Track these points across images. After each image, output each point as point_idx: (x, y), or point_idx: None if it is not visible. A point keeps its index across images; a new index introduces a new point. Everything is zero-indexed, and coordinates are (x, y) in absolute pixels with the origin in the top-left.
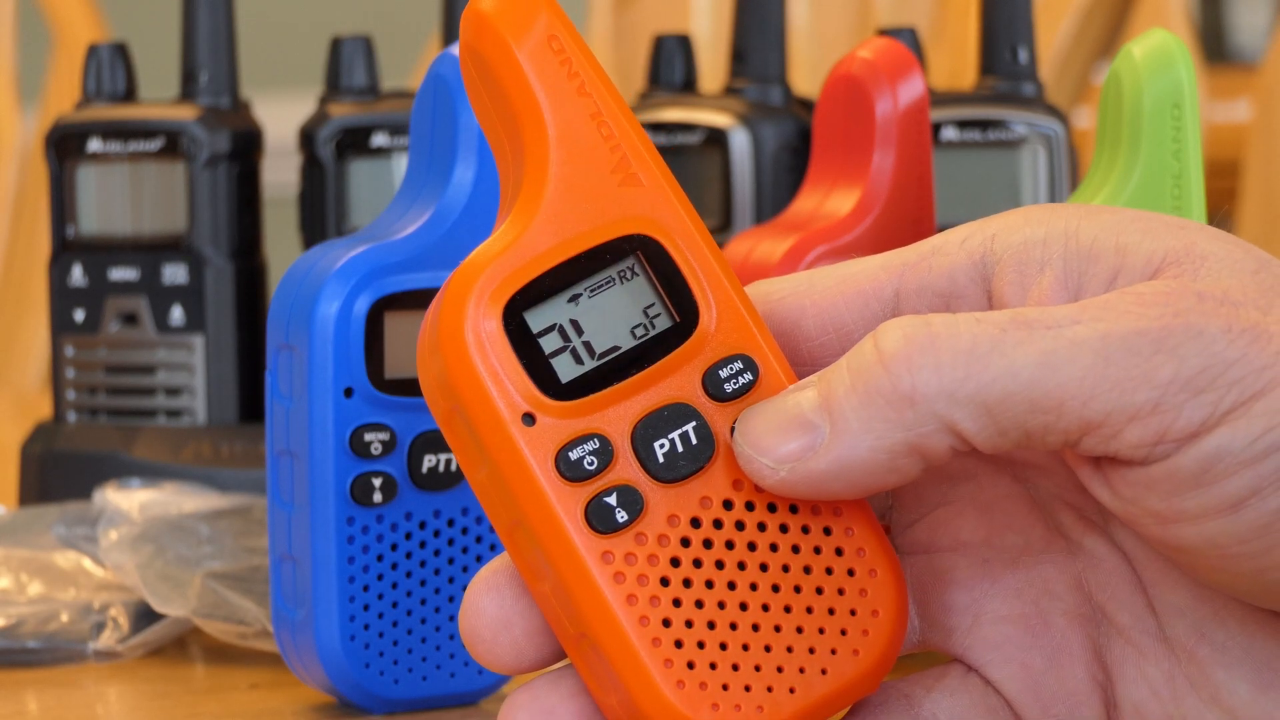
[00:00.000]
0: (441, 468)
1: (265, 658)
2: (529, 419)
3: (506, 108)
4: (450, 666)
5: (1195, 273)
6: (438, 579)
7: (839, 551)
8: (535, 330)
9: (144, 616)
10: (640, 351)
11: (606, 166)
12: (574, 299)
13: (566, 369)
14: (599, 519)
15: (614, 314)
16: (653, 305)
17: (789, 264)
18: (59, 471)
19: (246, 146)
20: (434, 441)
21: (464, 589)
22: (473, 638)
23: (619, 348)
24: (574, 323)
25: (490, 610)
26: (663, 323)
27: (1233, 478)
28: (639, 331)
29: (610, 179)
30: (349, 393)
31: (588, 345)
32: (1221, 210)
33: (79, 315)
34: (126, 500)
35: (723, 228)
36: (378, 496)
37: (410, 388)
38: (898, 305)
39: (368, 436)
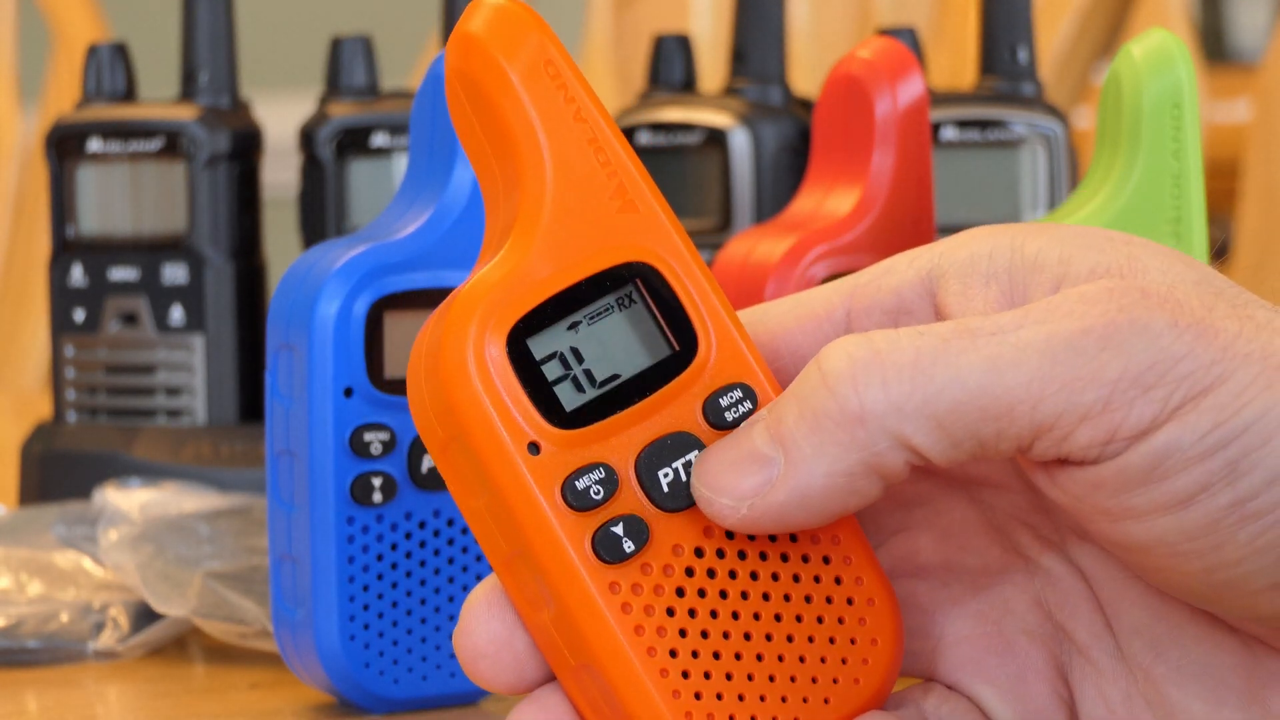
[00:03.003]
0: None
1: (265, 658)
2: (534, 448)
3: (499, 133)
4: (450, 666)
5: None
6: (438, 579)
7: (837, 580)
8: (538, 358)
9: (144, 616)
10: (640, 380)
11: (604, 193)
12: (573, 326)
13: (569, 397)
14: (606, 549)
15: (613, 341)
16: (652, 333)
17: (789, 264)
18: (59, 471)
19: (246, 146)
20: None
21: (464, 589)
22: (473, 656)
23: (619, 375)
24: (574, 350)
25: (491, 628)
26: (662, 350)
27: (1181, 474)
28: (638, 359)
29: (609, 205)
30: (349, 392)
31: (588, 373)
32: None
33: (79, 315)
34: (126, 500)
35: (723, 228)
36: (378, 496)
37: None
38: (849, 325)
39: (367, 436)
